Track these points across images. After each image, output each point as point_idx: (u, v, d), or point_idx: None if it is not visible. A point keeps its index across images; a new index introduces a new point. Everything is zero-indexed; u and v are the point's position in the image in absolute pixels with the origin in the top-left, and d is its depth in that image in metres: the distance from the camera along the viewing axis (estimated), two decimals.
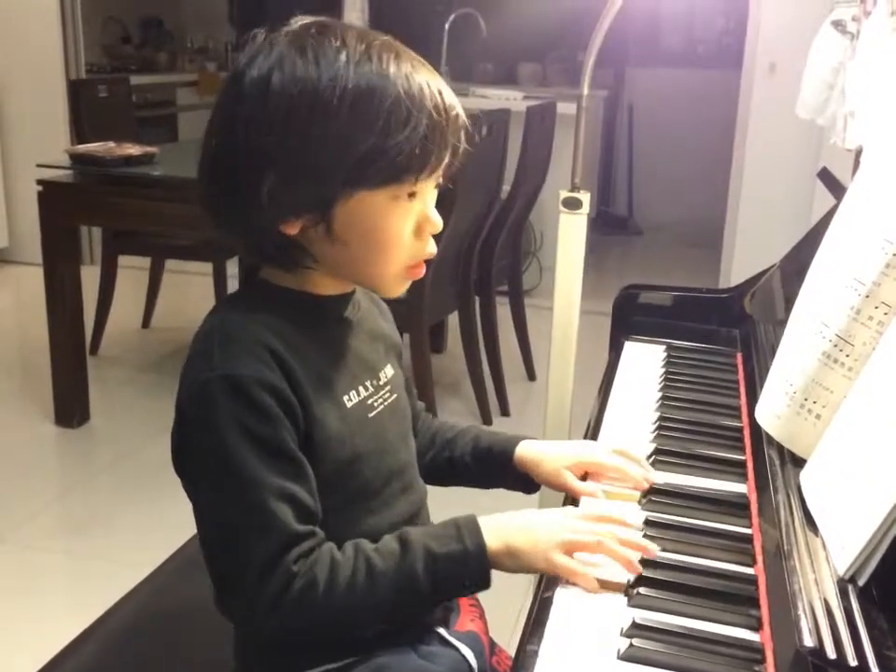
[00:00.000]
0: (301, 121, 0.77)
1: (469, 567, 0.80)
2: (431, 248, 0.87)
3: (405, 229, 0.83)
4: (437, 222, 0.85)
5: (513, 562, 0.81)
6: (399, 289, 0.88)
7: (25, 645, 1.78)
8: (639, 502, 0.93)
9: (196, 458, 0.81)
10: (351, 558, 0.80)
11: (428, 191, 0.85)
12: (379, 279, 0.87)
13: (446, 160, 0.83)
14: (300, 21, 0.83)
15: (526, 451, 1.02)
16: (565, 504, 0.97)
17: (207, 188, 0.84)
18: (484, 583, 0.81)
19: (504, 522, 0.83)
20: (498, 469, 1.02)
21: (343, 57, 0.78)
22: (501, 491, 1.05)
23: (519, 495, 1.04)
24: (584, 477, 0.99)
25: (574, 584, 0.79)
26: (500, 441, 1.04)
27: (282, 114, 0.78)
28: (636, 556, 0.81)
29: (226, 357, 0.79)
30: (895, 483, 0.64)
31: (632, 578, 0.79)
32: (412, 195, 0.82)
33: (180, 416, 0.83)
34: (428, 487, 0.99)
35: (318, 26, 0.81)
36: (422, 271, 0.88)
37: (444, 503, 1.04)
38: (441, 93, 0.81)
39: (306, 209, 0.80)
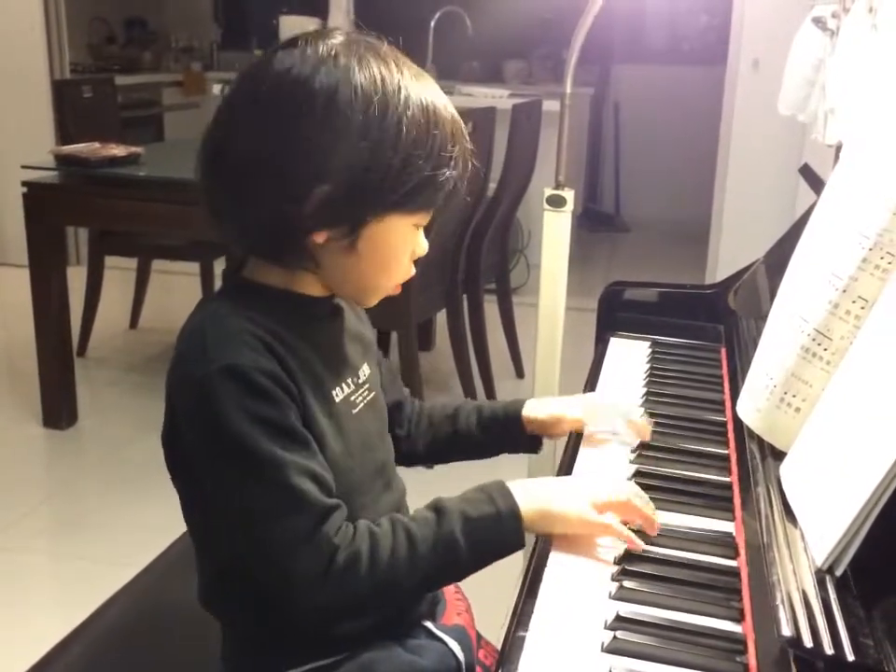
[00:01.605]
0: (371, 141, 0.79)
1: (503, 528, 0.82)
2: (413, 270, 0.91)
3: (409, 253, 0.88)
4: (425, 247, 0.90)
5: (544, 523, 0.84)
6: (374, 302, 0.92)
7: (12, 647, 1.77)
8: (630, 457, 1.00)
9: (208, 454, 0.81)
10: (389, 530, 0.81)
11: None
12: (367, 294, 0.90)
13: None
14: (341, 32, 0.84)
15: (532, 409, 1.06)
16: (559, 468, 1.01)
17: (229, 183, 0.83)
18: (519, 544, 0.84)
19: (532, 485, 0.86)
20: (508, 435, 1.07)
21: (405, 86, 0.81)
22: (490, 473, 1.07)
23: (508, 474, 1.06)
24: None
25: (562, 574, 0.80)
26: (501, 407, 1.08)
27: (352, 129, 0.78)
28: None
29: (221, 349, 0.79)
30: (871, 474, 0.65)
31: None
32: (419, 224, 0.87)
33: (174, 414, 0.83)
34: (413, 482, 1.00)
35: (372, 47, 0.83)
36: (400, 288, 0.92)
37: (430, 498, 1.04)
38: (466, 135, 0.86)
39: (344, 223, 0.82)
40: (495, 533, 0.82)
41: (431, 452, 1.08)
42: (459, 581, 0.89)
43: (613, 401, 1.09)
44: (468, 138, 0.86)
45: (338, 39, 0.82)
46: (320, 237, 0.82)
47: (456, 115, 0.85)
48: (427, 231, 0.90)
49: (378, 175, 0.79)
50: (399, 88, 0.80)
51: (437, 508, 0.83)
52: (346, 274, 0.86)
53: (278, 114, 0.80)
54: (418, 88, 0.82)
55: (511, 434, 1.07)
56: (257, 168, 0.81)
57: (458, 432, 1.07)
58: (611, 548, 0.84)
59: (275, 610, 0.84)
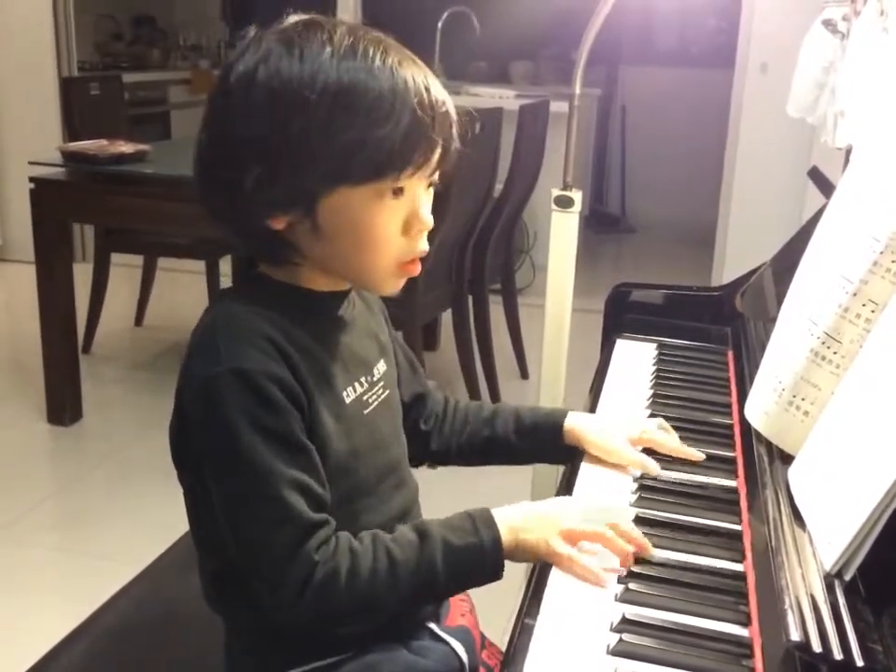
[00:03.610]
0: (283, 116, 0.78)
1: (484, 559, 0.82)
2: (423, 246, 0.86)
3: (391, 226, 0.83)
4: (426, 220, 0.85)
5: (521, 553, 0.83)
6: (393, 286, 0.88)
7: (17, 642, 1.78)
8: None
9: (207, 454, 0.81)
10: (370, 548, 0.81)
11: (419, 189, 0.84)
12: (368, 275, 0.86)
13: (434, 158, 0.82)
14: (292, 18, 0.84)
15: (577, 423, 1.03)
16: (559, 491, 0.98)
17: (200, 182, 0.85)
18: (497, 575, 0.83)
19: (514, 513, 0.84)
20: (546, 444, 1.04)
21: (327, 52, 0.78)
22: (495, 484, 1.06)
23: (511, 489, 1.05)
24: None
25: (567, 573, 0.79)
26: (543, 415, 1.06)
27: (265, 108, 0.78)
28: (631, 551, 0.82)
29: (232, 351, 0.79)
30: (881, 478, 0.64)
31: (623, 571, 0.80)
32: (397, 192, 0.82)
33: (183, 412, 0.83)
34: (420, 482, 0.99)
35: (307, 22, 0.82)
36: (417, 268, 0.87)
37: (437, 498, 1.04)
38: (427, 89, 0.80)
39: (291, 204, 0.81)
40: (476, 563, 0.82)
41: (464, 453, 1.06)
42: (436, 602, 0.89)
43: (671, 443, 1.02)
44: (431, 90, 0.81)
45: (280, 25, 0.83)
46: (278, 223, 0.81)
47: (409, 70, 0.80)
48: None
49: (297, 148, 0.78)
50: (319, 55, 0.78)
51: (420, 531, 0.82)
52: (332, 260, 0.85)
53: (214, 102, 0.83)
54: (348, 52, 0.78)
55: (549, 444, 1.04)
56: (203, 162, 0.83)
57: (496, 436, 1.05)
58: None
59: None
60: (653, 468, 0.98)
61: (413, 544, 0.81)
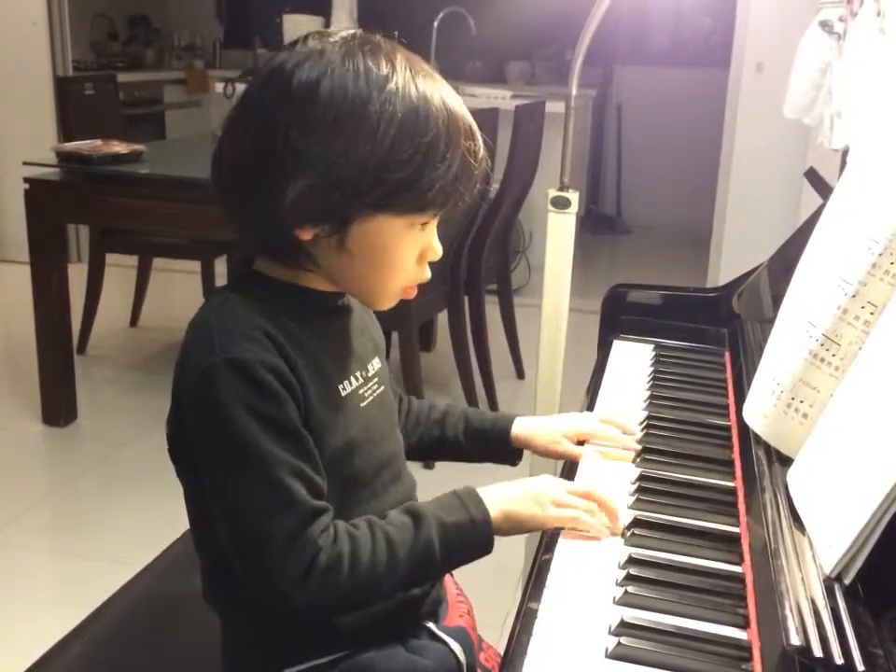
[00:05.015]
0: (346, 137, 0.78)
1: (475, 533, 0.84)
2: (427, 274, 0.90)
3: (412, 255, 0.86)
4: (439, 251, 0.89)
5: (512, 525, 0.86)
6: (389, 305, 0.91)
7: (11, 645, 1.77)
8: (633, 461, 1.02)
9: (206, 445, 0.81)
10: (367, 532, 0.82)
11: (434, 222, 0.87)
12: (374, 295, 0.89)
13: (467, 200, 0.85)
14: (345, 31, 0.83)
15: (522, 427, 1.08)
16: (562, 474, 1.02)
17: (226, 180, 0.84)
18: (488, 549, 0.86)
19: (498, 491, 0.88)
20: (494, 447, 1.09)
21: (393, 81, 0.79)
22: (490, 470, 1.10)
23: (506, 472, 1.08)
24: (580, 444, 1.07)
25: (566, 579, 0.79)
26: (491, 420, 1.10)
27: (327, 124, 0.78)
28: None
29: (227, 342, 0.79)
30: (881, 481, 0.64)
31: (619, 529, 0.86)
32: (425, 224, 0.85)
33: (180, 404, 0.84)
34: (417, 477, 1.00)
35: (369, 43, 0.82)
36: (414, 291, 0.91)
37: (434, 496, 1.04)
38: (473, 135, 0.84)
39: (326, 220, 0.81)
40: (468, 539, 0.84)
41: (416, 451, 1.09)
42: (429, 583, 0.91)
43: (607, 431, 1.08)
44: (475, 137, 0.84)
45: (335, 36, 0.82)
46: (306, 234, 0.82)
47: (460, 113, 0.83)
48: None
49: (353, 172, 0.78)
50: (385, 84, 0.78)
51: (412, 513, 0.84)
52: (346, 274, 0.86)
53: (261, 109, 0.81)
54: (411, 85, 0.80)
55: (497, 447, 1.09)
56: (241, 163, 0.82)
57: (445, 437, 1.08)
58: (614, 553, 0.83)
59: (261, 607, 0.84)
60: (575, 453, 1.04)
61: (407, 525, 0.83)
